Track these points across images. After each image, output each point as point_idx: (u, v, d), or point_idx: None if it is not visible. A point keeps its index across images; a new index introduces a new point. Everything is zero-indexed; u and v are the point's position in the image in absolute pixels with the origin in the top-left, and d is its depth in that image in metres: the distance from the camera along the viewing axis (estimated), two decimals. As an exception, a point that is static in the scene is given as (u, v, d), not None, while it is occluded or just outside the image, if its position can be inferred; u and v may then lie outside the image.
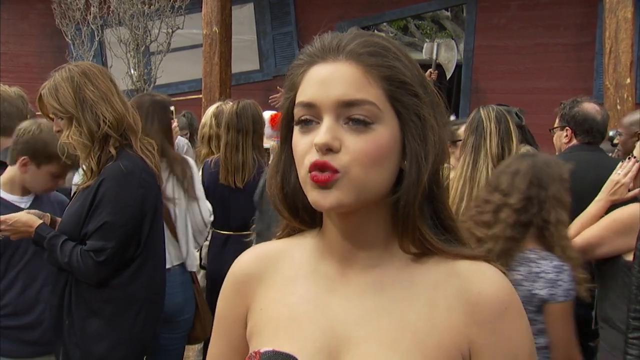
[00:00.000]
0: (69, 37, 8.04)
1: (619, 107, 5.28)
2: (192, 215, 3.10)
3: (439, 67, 7.51)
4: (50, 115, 2.31)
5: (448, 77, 7.80)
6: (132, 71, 7.55)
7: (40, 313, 2.49)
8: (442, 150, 0.92)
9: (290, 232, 1.06)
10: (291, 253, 1.03)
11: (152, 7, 7.41)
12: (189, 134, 5.28)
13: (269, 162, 3.13)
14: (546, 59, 7.75)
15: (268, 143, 3.93)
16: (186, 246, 3.02)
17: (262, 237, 2.61)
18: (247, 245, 1.94)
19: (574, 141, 3.36)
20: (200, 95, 6.66)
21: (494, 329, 0.90)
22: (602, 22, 5.86)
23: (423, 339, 0.90)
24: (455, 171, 2.75)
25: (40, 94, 2.28)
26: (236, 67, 7.46)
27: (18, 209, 2.49)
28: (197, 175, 3.22)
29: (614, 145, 3.68)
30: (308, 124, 0.89)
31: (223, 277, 1.09)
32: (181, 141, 3.92)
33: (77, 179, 2.94)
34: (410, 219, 0.90)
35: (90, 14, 7.80)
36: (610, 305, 2.43)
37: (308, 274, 0.99)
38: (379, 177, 0.88)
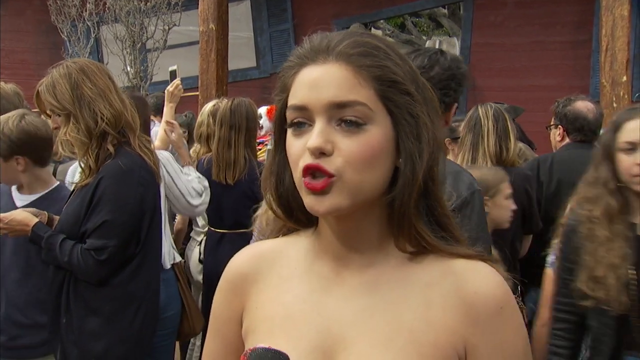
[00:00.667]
0: (65, 34, 8.02)
1: (615, 104, 5.28)
2: (175, 201, 3.05)
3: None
4: (48, 112, 2.30)
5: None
6: (128, 68, 7.54)
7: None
8: (437, 147, 0.92)
9: (286, 232, 1.06)
10: (287, 252, 1.03)
11: (148, 3, 7.40)
12: (187, 133, 5.26)
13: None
14: (543, 57, 7.77)
15: (270, 140, 3.92)
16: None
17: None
18: (244, 243, 1.95)
19: (567, 139, 3.39)
20: (197, 93, 6.64)
21: (489, 328, 0.90)
22: (598, 20, 5.86)
23: (418, 338, 0.90)
24: None
25: (38, 90, 2.27)
26: (233, 65, 7.44)
27: (14, 205, 2.48)
28: (172, 165, 3.14)
29: None
30: (301, 127, 0.89)
31: (219, 275, 1.09)
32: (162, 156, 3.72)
33: (75, 177, 2.92)
34: (406, 217, 0.90)
35: (86, 11, 7.79)
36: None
37: (303, 273, 0.99)
38: (373, 178, 0.88)
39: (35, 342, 2.46)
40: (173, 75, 4.51)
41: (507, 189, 2.75)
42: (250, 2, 9.38)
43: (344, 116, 0.87)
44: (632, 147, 1.94)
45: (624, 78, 5.37)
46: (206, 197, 3.18)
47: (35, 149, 2.49)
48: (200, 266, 3.74)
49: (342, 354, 0.91)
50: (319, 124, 0.87)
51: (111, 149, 2.21)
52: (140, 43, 7.60)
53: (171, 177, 3.03)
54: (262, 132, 4.36)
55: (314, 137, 0.86)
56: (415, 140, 0.89)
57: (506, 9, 8.07)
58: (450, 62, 1.98)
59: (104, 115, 2.20)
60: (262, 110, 4.42)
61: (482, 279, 0.92)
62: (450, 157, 3.71)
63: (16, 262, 2.49)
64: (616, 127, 2.00)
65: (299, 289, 0.98)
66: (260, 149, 3.93)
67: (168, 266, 2.97)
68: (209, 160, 3.58)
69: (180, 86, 3.90)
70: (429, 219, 0.94)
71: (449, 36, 12.59)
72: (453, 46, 7.61)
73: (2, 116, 2.54)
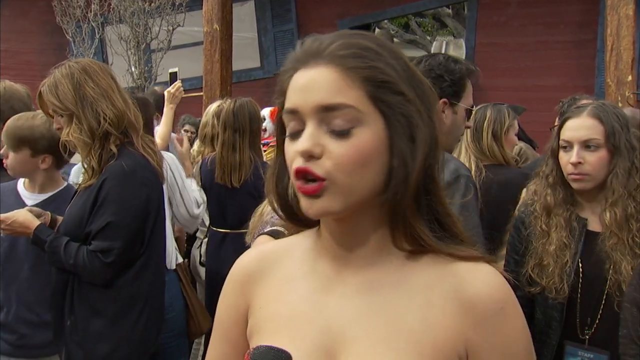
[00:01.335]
0: (70, 35, 8.04)
1: (620, 104, 5.27)
2: (175, 208, 3.09)
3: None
4: (51, 113, 2.30)
5: None
6: (133, 69, 7.55)
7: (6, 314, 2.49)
8: (435, 146, 0.91)
9: (296, 231, 1.07)
10: (292, 252, 1.04)
11: (152, 4, 7.41)
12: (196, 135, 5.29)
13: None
14: (547, 57, 7.75)
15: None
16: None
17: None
18: (245, 243, 1.95)
19: None
20: (201, 93, 6.65)
21: (490, 328, 0.90)
22: (603, 19, 5.85)
23: (419, 338, 0.89)
24: None
25: (40, 91, 2.27)
26: (237, 65, 7.45)
27: (23, 204, 2.48)
28: (179, 170, 3.18)
29: None
30: (297, 136, 0.90)
31: (221, 275, 1.10)
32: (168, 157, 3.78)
33: (78, 177, 2.93)
34: (400, 216, 0.91)
35: (90, 12, 7.81)
36: None
37: (306, 273, 1.00)
38: (364, 180, 0.88)
39: (45, 340, 2.47)
40: (174, 77, 4.52)
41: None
42: (254, 3, 9.39)
43: (331, 123, 0.87)
44: (567, 146, 2.02)
45: (629, 77, 5.36)
46: (203, 210, 3.26)
47: (61, 151, 2.53)
48: (203, 269, 3.74)
49: (343, 354, 0.91)
50: (309, 128, 0.88)
51: (114, 149, 2.20)
52: (144, 43, 7.61)
53: (176, 181, 3.04)
54: (266, 134, 4.36)
55: (303, 139, 0.87)
56: (408, 141, 0.89)
57: (510, 8, 8.06)
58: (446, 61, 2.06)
59: (107, 115, 2.19)
60: (266, 112, 4.41)
61: (482, 279, 0.92)
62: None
63: (26, 260, 2.49)
64: (561, 125, 2.07)
65: (302, 289, 0.98)
66: (265, 150, 3.92)
67: (173, 267, 2.98)
68: (213, 160, 3.58)
69: (181, 88, 3.91)
70: (429, 219, 0.94)
71: (453, 36, 12.57)
72: (460, 47, 7.63)
73: (27, 113, 2.58)
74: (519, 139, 3.65)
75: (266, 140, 4.24)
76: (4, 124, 2.59)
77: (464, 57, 7.92)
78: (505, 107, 3.31)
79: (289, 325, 0.96)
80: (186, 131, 6.04)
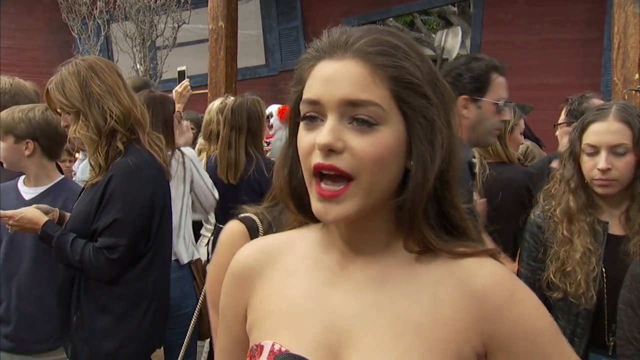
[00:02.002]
0: (75, 32, 8.04)
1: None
2: (204, 199, 3.11)
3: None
4: (58, 110, 2.31)
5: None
6: (138, 66, 7.55)
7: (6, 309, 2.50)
8: (452, 152, 0.91)
9: (297, 225, 1.06)
10: (293, 246, 1.03)
11: (158, 1, 7.41)
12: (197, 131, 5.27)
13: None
14: (553, 55, 7.71)
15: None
16: (177, 241, 3.01)
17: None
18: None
19: None
20: (206, 91, 6.64)
21: (506, 316, 0.89)
22: (609, 18, 5.82)
23: (427, 333, 0.89)
24: None
25: (48, 88, 2.27)
26: (242, 62, 7.44)
27: (22, 199, 2.49)
28: (198, 164, 3.23)
29: None
30: (313, 121, 0.88)
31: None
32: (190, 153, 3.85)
33: (85, 175, 2.94)
34: (416, 221, 0.90)
35: (96, 9, 7.81)
36: None
37: (309, 268, 0.99)
38: (384, 180, 0.88)
39: (42, 336, 2.48)
40: (182, 75, 4.51)
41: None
42: (260, 0, 9.38)
43: (356, 114, 0.86)
44: (594, 151, 1.96)
45: (636, 76, 5.32)
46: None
47: (48, 139, 2.55)
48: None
49: (348, 349, 0.91)
50: (331, 121, 0.86)
51: (121, 146, 2.21)
52: (150, 41, 7.61)
53: (199, 173, 3.07)
54: (272, 132, 4.34)
55: (325, 133, 0.85)
56: (429, 144, 0.88)
57: (516, 6, 8.02)
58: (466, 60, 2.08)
59: (113, 112, 2.20)
60: (273, 109, 4.39)
61: (487, 272, 0.92)
62: None
63: (29, 255, 2.50)
64: (583, 128, 2.00)
65: (305, 284, 0.98)
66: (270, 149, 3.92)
67: (184, 262, 2.98)
68: (216, 157, 3.60)
69: (189, 87, 3.91)
70: (442, 224, 0.93)
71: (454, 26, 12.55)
72: (456, 34, 7.67)
73: (24, 105, 2.62)
74: (526, 137, 3.63)
75: (270, 140, 4.23)
76: None
77: (459, 42, 7.91)
78: (513, 106, 3.29)
79: (292, 320, 0.95)
80: (185, 127, 6.03)
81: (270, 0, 9.36)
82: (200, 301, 2.24)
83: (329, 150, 0.85)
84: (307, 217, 1.00)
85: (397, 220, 0.92)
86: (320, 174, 0.87)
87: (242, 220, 1.63)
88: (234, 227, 1.62)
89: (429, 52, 13.64)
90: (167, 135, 3.06)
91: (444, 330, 0.89)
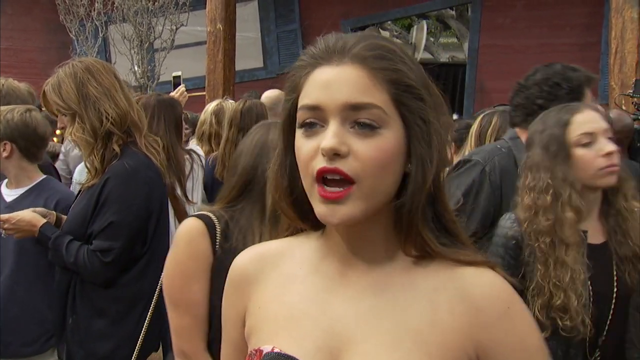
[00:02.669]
0: (73, 33, 8.04)
1: (624, 107, 5.26)
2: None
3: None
4: (55, 112, 2.30)
5: (418, 57, 7.95)
6: (136, 68, 7.54)
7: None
8: (445, 153, 0.92)
9: (293, 232, 1.05)
10: (291, 252, 1.03)
11: (156, 3, 7.41)
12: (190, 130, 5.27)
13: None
14: (551, 59, 7.61)
15: None
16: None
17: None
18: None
19: None
20: (204, 93, 6.64)
21: (501, 329, 0.91)
22: (607, 22, 5.85)
23: (426, 339, 0.89)
24: None
25: (44, 90, 2.27)
26: (240, 65, 7.45)
27: (4, 201, 2.49)
28: (199, 177, 3.23)
29: None
30: (312, 127, 0.88)
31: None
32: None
33: (82, 177, 2.93)
34: (414, 223, 0.90)
35: (94, 10, 7.81)
36: None
37: (308, 274, 0.99)
38: (386, 184, 0.88)
39: (33, 337, 2.47)
40: (177, 80, 4.50)
41: None
42: (258, 3, 9.39)
43: (358, 118, 0.86)
44: (590, 140, 1.80)
45: (633, 80, 5.34)
46: None
47: (26, 141, 2.54)
48: None
49: (347, 355, 0.91)
50: (333, 125, 0.86)
51: (117, 149, 2.20)
52: (147, 43, 7.60)
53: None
54: None
55: (329, 137, 0.85)
56: (426, 146, 0.89)
57: (514, 10, 8.04)
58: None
59: (109, 114, 2.19)
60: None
61: (487, 283, 0.93)
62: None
63: (11, 257, 2.49)
64: (565, 123, 1.82)
65: (304, 289, 0.98)
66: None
67: None
68: (215, 159, 3.60)
69: (185, 92, 3.91)
70: (435, 226, 0.94)
71: (456, 37, 12.56)
72: (421, 29, 7.80)
73: (10, 106, 2.60)
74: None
75: None
76: None
77: (424, 39, 7.97)
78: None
79: (291, 325, 0.95)
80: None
81: (268, 2, 9.36)
82: (155, 299, 2.19)
83: (333, 155, 0.85)
84: (307, 224, 0.99)
85: (396, 225, 0.92)
86: (323, 178, 0.87)
87: (199, 217, 1.63)
88: (192, 224, 1.63)
89: (427, 55, 13.69)
90: (178, 138, 3.07)
91: (441, 336, 0.90)
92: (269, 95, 4.18)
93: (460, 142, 3.52)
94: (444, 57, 13.81)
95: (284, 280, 1.00)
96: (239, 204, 1.66)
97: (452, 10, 11.96)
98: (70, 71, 2.21)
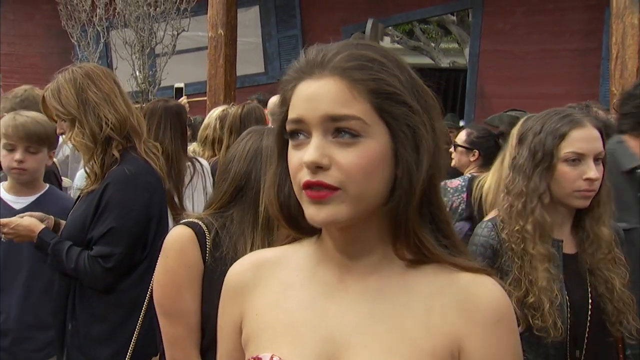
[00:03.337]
0: (75, 39, 8.05)
1: (625, 113, 5.26)
2: None
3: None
4: (54, 117, 2.31)
5: None
6: (137, 73, 7.54)
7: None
8: (439, 156, 0.92)
9: (291, 240, 1.06)
10: (287, 260, 1.03)
11: (157, 9, 7.42)
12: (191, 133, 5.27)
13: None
14: (552, 65, 7.73)
15: None
16: None
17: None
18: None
19: None
20: (205, 98, 6.65)
21: (487, 337, 0.91)
22: (608, 28, 5.85)
23: (420, 346, 0.90)
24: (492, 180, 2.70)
25: (44, 95, 2.27)
26: (241, 70, 7.45)
27: (11, 209, 2.48)
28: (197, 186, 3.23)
29: None
30: (298, 137, 0.90)
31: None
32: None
33: (82, 182, 2.94)
34: (403, 225, 0.91)
35: (96, 16, 7.82)
36: None
37: (305, 280, 0.99)
38: (372, 190, 0.89)
39: (43, 344, 2.47)
40: (179, 92, 4.49)
41: None
42: (259, 8, 9.40)
43: (339, 127, 0.87)
44: (577, 158, 1.78)
45: (634, 86, 5.33)
46: None
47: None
48: None
49: None
50: (315, 138, 0.88)
51: (117, 154, 2.21)
52: (149, 48, 7.60)
53: (211, 183, 3.07)
54: None
55: (310, 151, 0.87)
56: (413, 151, 0.90)
57: (515, 16, 8.05)
58: None
59: (109, 120, 2.20)
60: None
61: (484, 291, 0.93)
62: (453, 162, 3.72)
63: (26, 265, 2.50)
64: (561, 135, 1.79)
65: (301, 296, 0.98)
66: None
67: None
68: (215, 163, 3.60)
69: (187, 105, 3.91)
70: (432, 228, 0.95)
71: (457, 43, 12.57)
72: (380, 29, 7.87)
73: (16, 111, 2.62)
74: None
75: None
76: None
77: (382, 35, 7.98)
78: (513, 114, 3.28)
79: (289, 332, 0.96)
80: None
81: (269, 8, 9.38)
82: (144, 309, 2.16)
83: (316, 168, 0.87)
84: (299, 232, 1.01)
85: (391, 227, 0.93)
86: (308, 189, 0.89)
87: (188, 225, 1.61)
88: (181, 232, 1.60)
89: (427, 60, 13.70)
90: (183, 146, 3.07)
91: (432, 342, 0.91)
92: (275, 101, 4.20)
93: (484, 151, 3.50)
94: (444, 63, 13.83)
95: (281, 287, 1.01)
96: (229, 210, 1.64)
97: (453, 15, 11.98)
98: (69, 77, 2.22)
